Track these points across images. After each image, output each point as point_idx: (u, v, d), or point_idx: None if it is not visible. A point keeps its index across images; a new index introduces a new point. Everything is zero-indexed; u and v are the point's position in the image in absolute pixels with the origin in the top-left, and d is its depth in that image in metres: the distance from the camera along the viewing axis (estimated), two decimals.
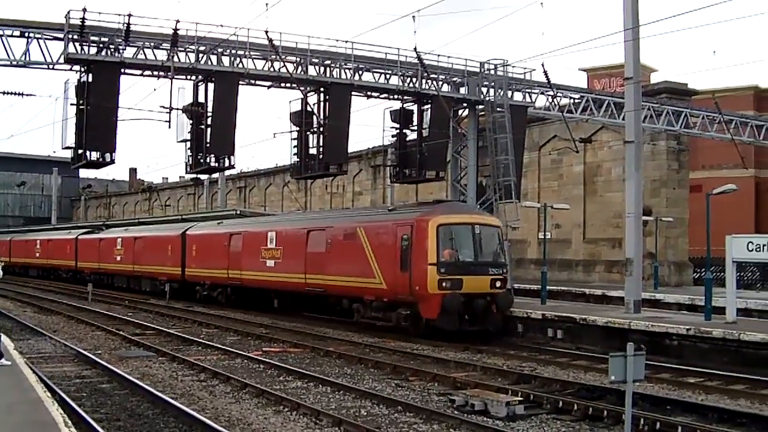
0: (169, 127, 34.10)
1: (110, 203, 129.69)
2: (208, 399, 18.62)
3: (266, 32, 33.89)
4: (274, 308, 40.29)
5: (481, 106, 40.02)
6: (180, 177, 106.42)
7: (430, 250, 29.16)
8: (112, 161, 34.06)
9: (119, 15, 32.62)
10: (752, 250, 25.85)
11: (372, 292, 31.66)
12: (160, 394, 18.12)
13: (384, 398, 18.44)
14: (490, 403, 17.27)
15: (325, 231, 35.52)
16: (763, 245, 25.51)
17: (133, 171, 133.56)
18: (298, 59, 36.14)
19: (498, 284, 29.94)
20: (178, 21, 32.79)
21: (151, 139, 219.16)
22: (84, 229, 77.98)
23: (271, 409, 17.55)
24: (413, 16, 32.75)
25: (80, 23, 31.82)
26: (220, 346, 27.91)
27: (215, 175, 75.71)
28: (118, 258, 59.87)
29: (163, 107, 33.90)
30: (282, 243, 38.72)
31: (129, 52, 33.44)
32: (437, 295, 28.64)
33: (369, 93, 38.76)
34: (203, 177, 79.13)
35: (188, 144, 35.38)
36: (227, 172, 59.28)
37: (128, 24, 32.22)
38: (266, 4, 32.62)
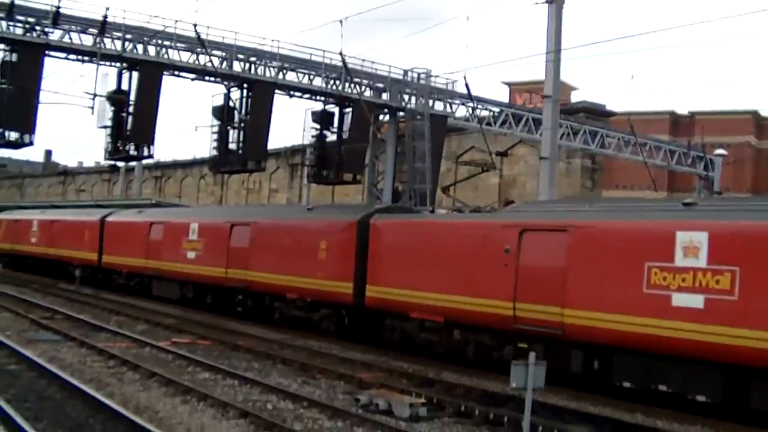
0: (92, 113, 34.06)
1: (23, 184, 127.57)
2: (116, 385, 18.76)
3: (194, 25, 34.13)
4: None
5: (401, 113, 40.55)
6: (96, 162, 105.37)
7: None
8: (31, 143, 33.88)
9: None
10: None
11: None
12: (69, 378, 18.22)
13: (290, 394, 18.65)
14: (394, 404, 17.61)
15: None
16: None
17: (48, 153, 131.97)
18: (224, 54, 36.32)
19: None
20: (107, 8, 32.91)
21: (67, 122, 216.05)
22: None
23: (179, 398, 17.75)
24: (341, 21, 33.36)
25: (9, 2, 31.67)
26: (129, 334, 27.93)
27: (132, 163, 75.29)
28: None
29: (87, 93, 33.82)
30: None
31: (55, 35, 33.30)
32: None
33: (292, 92, 39.05)
34: (120, 164, 78.69)
35: (108, 131, 35.26)
36: (144, 161, 58.91)
37: (58, 7, 32.20)
38: None
